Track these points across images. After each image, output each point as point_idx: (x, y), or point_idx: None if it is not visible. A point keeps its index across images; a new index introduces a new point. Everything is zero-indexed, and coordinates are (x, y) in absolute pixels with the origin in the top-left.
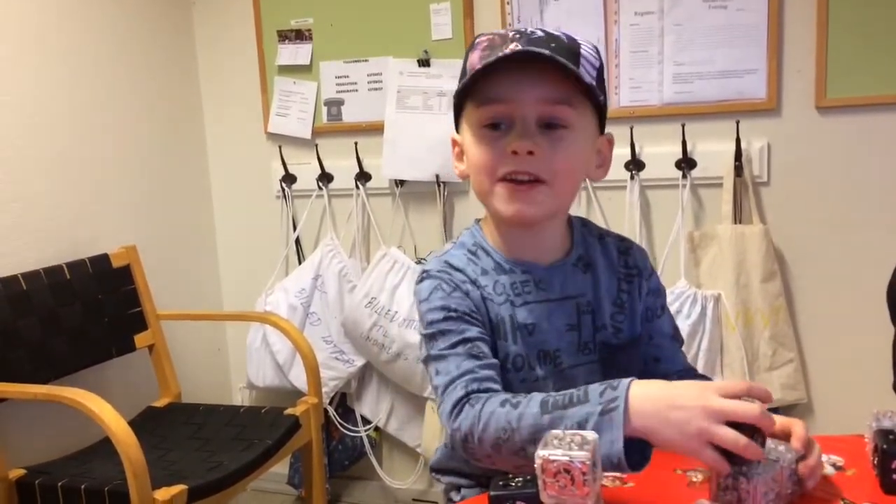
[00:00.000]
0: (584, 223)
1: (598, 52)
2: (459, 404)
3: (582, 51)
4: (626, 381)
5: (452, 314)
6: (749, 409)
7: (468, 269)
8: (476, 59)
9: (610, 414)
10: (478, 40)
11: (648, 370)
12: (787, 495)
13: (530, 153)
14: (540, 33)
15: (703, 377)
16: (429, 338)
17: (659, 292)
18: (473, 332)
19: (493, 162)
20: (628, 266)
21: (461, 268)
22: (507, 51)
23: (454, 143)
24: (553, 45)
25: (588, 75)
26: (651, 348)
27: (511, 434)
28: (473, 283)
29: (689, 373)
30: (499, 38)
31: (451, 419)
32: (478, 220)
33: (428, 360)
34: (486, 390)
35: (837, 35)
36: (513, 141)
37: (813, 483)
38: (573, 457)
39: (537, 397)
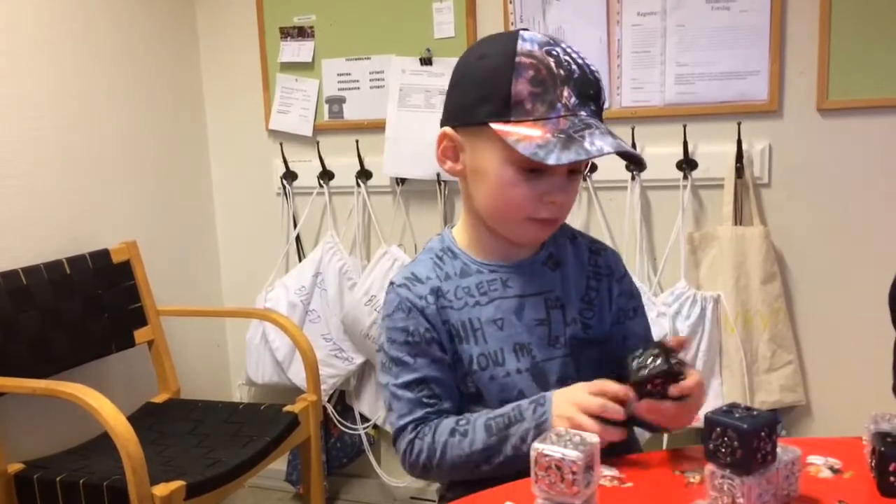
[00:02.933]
0: None
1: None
2: (411, 443)
3: (602, 92)
4: (548, 395)
5: (410, 339)
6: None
7: (432, 276)
8: (524, 92)
9: (542, 427)
10: (519, 61)
11: (623, 373)
12: (783, 496)
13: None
14: (576, 69)
15: None
16: (389, 360)
17: (632, 294)
18: (429, 368)
19: (529, 204)
20: (598, 265)
21: (424, 276)
22: (577, 125)
23: (445, 137)
24: (592, 91)
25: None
26: (625, 350)
27: (466, 459)
28: (434, 292)
29: None
30: (545, 70)
31: (407, 456)
32: (451, 227)
33: (386, 387)
34: (432, 419)
35: (840, 37)
36: (554, 192)
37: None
38: (566, 455)
39: (480, 421)
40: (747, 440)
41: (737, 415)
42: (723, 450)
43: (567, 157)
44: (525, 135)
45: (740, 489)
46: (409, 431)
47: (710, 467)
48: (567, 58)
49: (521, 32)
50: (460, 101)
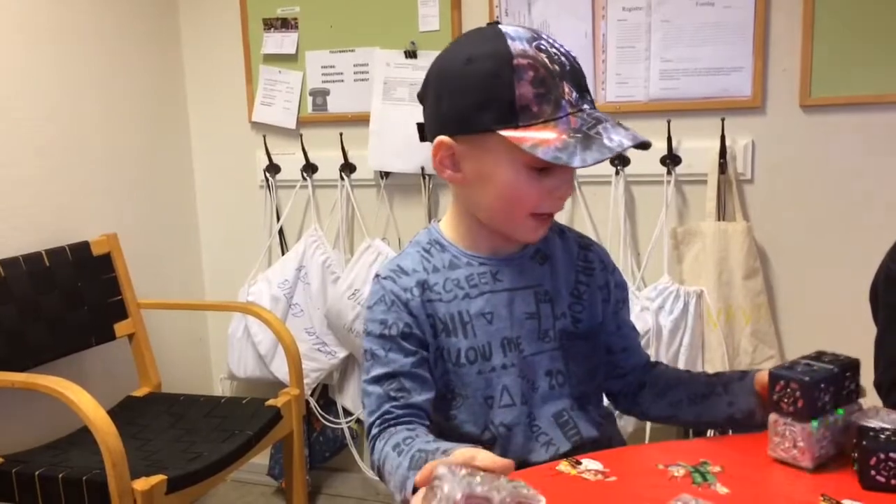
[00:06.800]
0: None
1: None
2: (374, 441)
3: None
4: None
5: (386, 332)
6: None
7: (419, 268)
8: (529, 94)
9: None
10: (517, 63)
11: (617, 361)
12: (840, 443)
13: None
14: (565, 61)
15: (685, 369)
16: (366, 353)
17: (624, 286)
18: (401, 362)
19: (537, 200)
20: (588, 260)
21: (411, 269)
22: (588, 121)
23: (442, 146)
24: (583, 81)
25: None
26: (619, 339)
27: (394, 480)
28: (420, 285)
29: (655, 365)
30: (543, 69)
31: (371, 456)
32: (438, 220)
33: (364, 382)
34: (397, 422)
35: (823, 34)
36: (563, 186)
37: None
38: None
39: (417, 444)
40: (808, 391)
41: (798, 370)
42: (785, 400)
43: (592, 156)
44: (541, 139)
45: (801, 434)
46: (374, 427)
47: (773, 416)
48: (553, 50)
49: (504, 30)
50: (456, 110)
